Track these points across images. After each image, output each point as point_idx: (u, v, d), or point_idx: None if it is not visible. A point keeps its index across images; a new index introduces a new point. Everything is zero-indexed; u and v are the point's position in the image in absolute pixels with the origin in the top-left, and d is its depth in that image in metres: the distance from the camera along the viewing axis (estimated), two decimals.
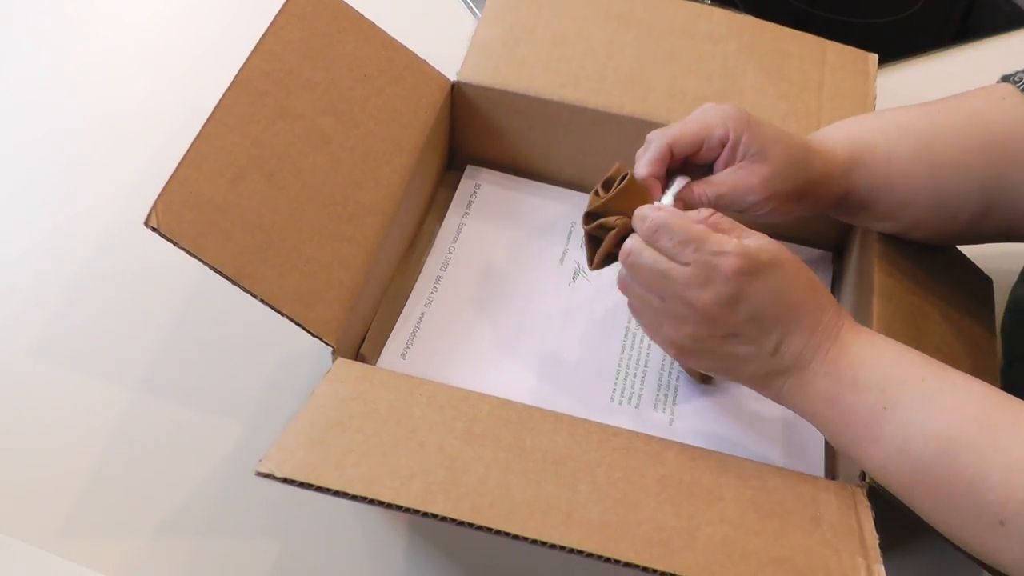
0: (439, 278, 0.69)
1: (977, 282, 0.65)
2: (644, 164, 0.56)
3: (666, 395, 0.63)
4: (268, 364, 0.65)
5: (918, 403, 0.47)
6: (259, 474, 0.44)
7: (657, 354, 0.66)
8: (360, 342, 0.63)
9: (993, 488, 0.44)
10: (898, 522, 0.49)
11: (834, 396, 0.49)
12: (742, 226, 0.51)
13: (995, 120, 0.57)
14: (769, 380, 0.51)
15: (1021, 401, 0.46)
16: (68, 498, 0.59)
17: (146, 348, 0.66)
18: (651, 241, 0.51)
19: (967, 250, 0.66)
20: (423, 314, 0.66)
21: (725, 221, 0.51)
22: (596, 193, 0.57)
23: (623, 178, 0.56)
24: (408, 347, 0.65)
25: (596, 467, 0.48)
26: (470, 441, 0.49)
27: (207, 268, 0.53)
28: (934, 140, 0.58)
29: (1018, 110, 0.57)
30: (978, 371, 0.57)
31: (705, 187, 0.56)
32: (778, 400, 0.52)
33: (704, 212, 0.52)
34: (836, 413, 0.49)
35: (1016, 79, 0.58)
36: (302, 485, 0.44)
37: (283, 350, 0.66)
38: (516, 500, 0.45)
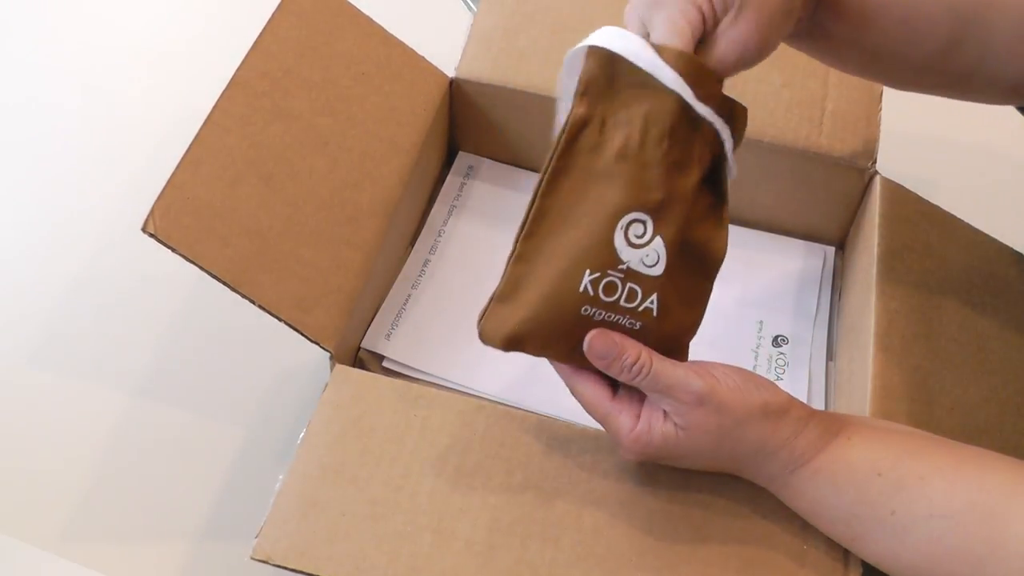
0: (427, 261, 0.69)
1: (1007, 256, 0.63)
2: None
3: None
4: (267, 367, 0.66)
5: (887, 539, 0.46)
6: (254, 559, 0.48)
7: None
8: (358, 346, 0.64)
9: None
10: None
11: (804, 516, 0.50)
12: (669, 382, 0.46)
13: None
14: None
15: (1003, 516, 0.44)
16: (69, 500, 0.60)
17: (145, 351, 0.67)
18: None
19: None
20: (409, 296, 0.67)
21: (648, 383, 0.47)
22: None
23: None
24: (393, 328, 0.65)
25: (583, 509, 0.50)
26: (459, 483, 0.50)
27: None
28: None
29: None
30: (1008, 357, 0.57)
31: (717, 57, 0.47)
32: None
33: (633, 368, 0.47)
34: (814, 522, 0.50)
35: None
36: (294, 572, 0.48)
37: (282, 353, 0.66)
38: (499, 568, 0.48)
